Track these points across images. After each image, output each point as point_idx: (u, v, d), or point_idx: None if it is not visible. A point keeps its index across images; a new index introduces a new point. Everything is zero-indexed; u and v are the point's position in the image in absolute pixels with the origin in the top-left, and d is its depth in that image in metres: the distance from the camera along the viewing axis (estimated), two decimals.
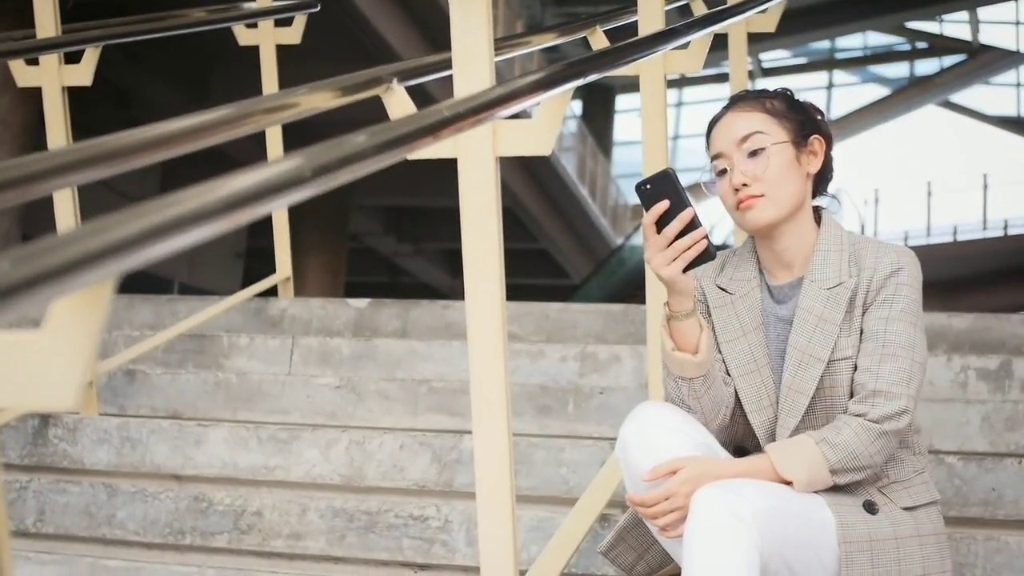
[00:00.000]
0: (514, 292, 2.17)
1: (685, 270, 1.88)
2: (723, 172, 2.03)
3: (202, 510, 2.78)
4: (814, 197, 2.08)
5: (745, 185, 1.99)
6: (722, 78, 22.87)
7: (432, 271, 21.82)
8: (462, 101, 1.64)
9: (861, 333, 1.97)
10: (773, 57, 26.98)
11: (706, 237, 1.88)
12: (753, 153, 2.00)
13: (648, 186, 1.89)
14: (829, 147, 2.09)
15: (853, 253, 2.01)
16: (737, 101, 2.09)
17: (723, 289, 2.09)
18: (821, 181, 2.09)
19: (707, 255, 1.88)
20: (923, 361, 1.95)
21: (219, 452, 2.99)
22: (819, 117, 2.10)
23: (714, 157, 2.05)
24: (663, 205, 1.87)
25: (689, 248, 1.87)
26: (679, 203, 1.87)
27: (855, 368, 1.96)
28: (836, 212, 2.11)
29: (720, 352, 2.05)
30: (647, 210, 1.88)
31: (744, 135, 2.01)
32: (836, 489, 1.92)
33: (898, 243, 2.08)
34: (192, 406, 3.55)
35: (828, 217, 2.07)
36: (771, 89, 2.11)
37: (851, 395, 1.96)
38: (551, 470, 2.80)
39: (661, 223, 1.88)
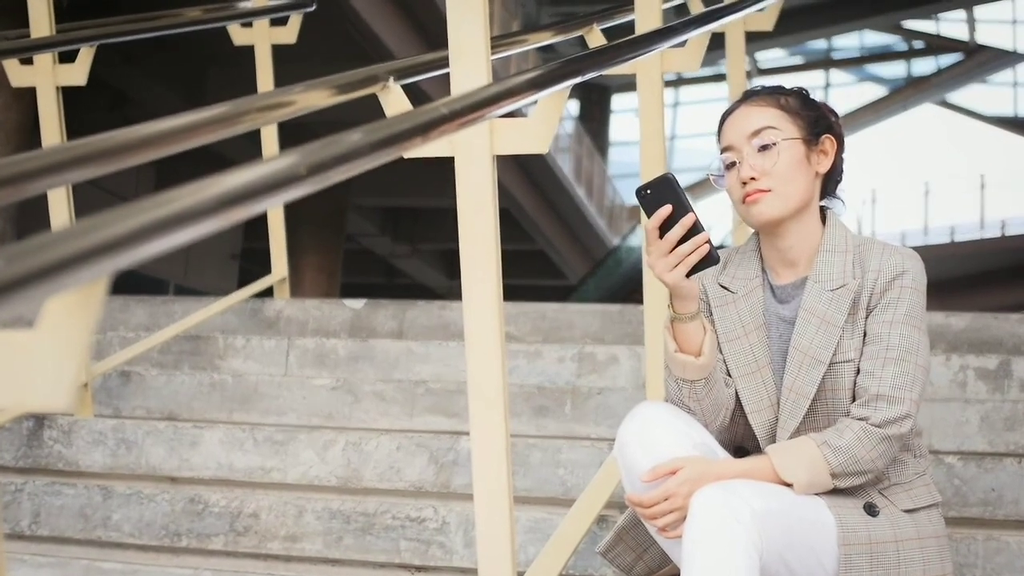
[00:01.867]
0: (511, 293, 2.16)
1: (688, 275, 1.87)
2: (732, 165, 2.02)
3: (198, 512, 2.76)
4: (822, 198, 2.07)
5: (753, 179, 1.98)
6: (719, 78, 22.89)
7: (428, 272, 21.81)
8: (459, 98, 1.63)
9: (864, 336, 1.96)
10: (770, 57, 27.01)
11: (708, 242, 1.86)
12: (763, 148, 1.99)
13: (648, 191, 1.88)
14: (840, 148, 2.07)
15: (858, 255, 2.00)
16: (751, 95, 2.08)
17: (725, 288, 2.08)
18: (829, 181, 2.08)
19: (710, 259, 1.87)
20: (926, 365, 1.94)
21: (215, 454, 2.98)
22: (833, 118, 2.09)
23: (724, 149, 2.04)
24: (665, 210, 1.86)
25: (691, 253, 1.86)
26: (680, 208, 1.86)
27: (857, 371, 1.95)
28: (841, 214, 2.09)
29: (721, 352, 2.04)
30: (648, 215, 1.87)
31: (755, 129, 2.00)
32: (836, 491, 1.90)
33: (900, 245, 2.07)
34: (188, 407, 3.54)
35: (834, 218, 2.06)
36: (787, 86, 2.10)
37: (853, 398, 1.95)
38: (549, 471, 2.79)
39: (663, 228, 1.87)
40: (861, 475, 1.89)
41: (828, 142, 2.05)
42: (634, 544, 2.11)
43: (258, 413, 3.47)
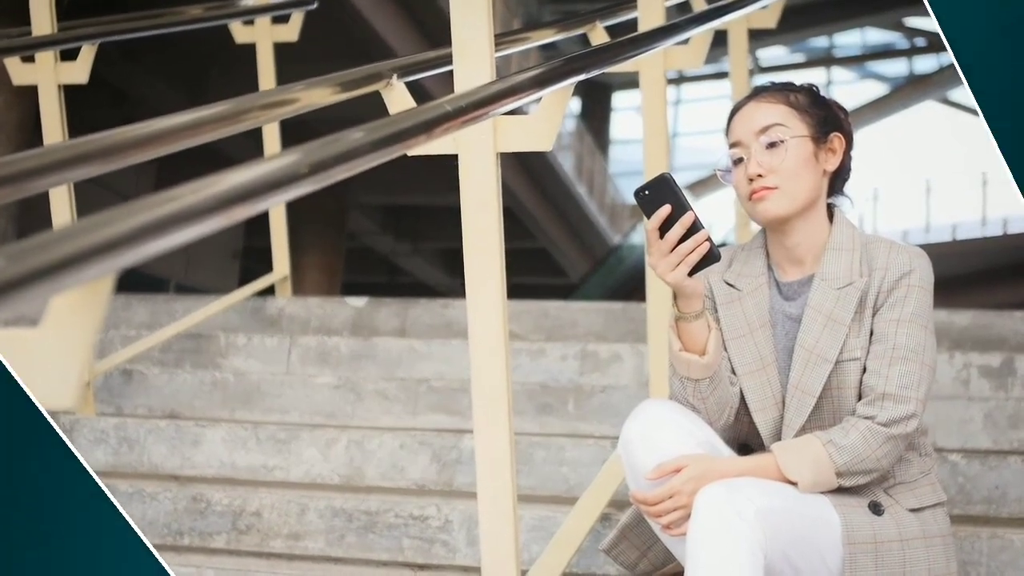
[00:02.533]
0: (512, 291, 2.16)
1: (690, 273, 1.86)
2: (739, 161, 2.01)
3: (200, 510, 2.76)
4: (829, 195, 2.06)
5: (760, 176, 1.97)
6: (721, 76, 22.84)
7: (430, 270, 21.81)
8: (463, 96, 1.62)
9: (871, 334, 1.95)
10: (771, 55, 26.97)
11: (708, 239, 1.86)
12: (771, 145, 1.98)
13: (646, 192, 1.87)
14: (849, 146, 2.06)
15: (865, 253, 1.99)
16: (761, 91, 2.07)
17: (731, 285, 2.07)
18: (837, 179, 2.07)
19: (711, 257, 1.86)
20: (932, 364, 1.93)
21: (217, 452, 2.97)
22: (843, 116, 2.08)
23: (732, 145, 2.03)
24: (664, 210, 1.85)
25: (692, 251, 1.85)
26: (679, 207, 1.86)
27: (863, 369, 1.94)
28: (848, 212, 2.09)
29: (726, 349, 2.03)
30: (647, 216, 1.86)
31: (764, 126, 1.99)
32: (841, 489, 1.90)
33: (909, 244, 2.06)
34: (190, 406, 3.53)
35: (841, 216, 2.05)
36: (797, 83, 2.09)
37: (859, 397, 1.94)
38: (552, 469, 2.79)
39: (663, 228, 1.86)
40: (866, 474, 1.88)
41: (837, 140, 2.04)
42: (638, 542, 2.10)
43: (260, 411, 3.47)
